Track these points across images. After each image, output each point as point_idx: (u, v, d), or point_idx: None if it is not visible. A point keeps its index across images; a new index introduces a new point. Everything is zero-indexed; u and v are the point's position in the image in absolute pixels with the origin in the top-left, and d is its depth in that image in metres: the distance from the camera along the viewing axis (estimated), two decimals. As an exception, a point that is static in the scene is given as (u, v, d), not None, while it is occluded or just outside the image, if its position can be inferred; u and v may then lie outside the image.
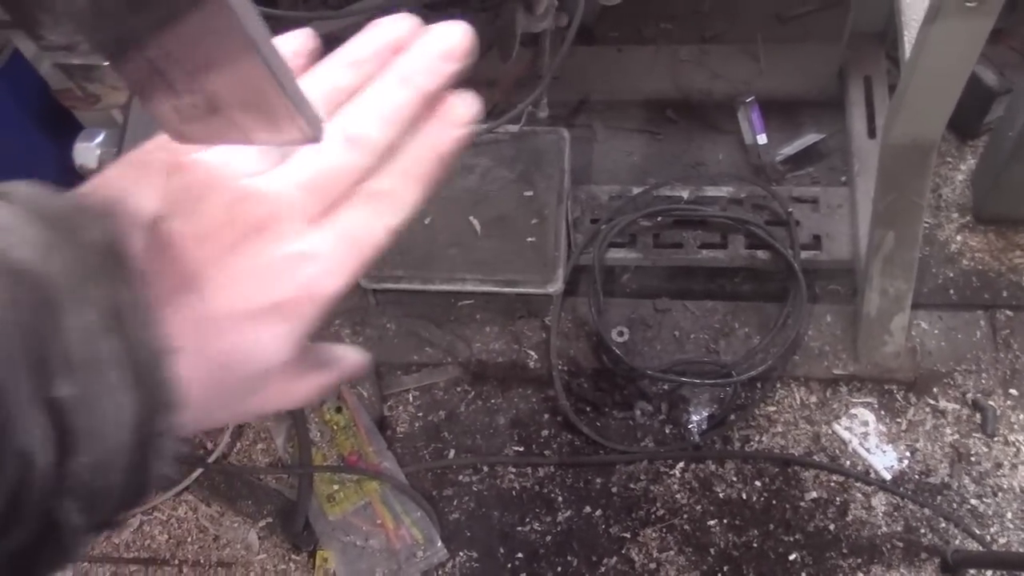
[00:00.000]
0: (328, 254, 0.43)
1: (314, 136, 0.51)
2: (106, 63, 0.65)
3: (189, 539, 1.82)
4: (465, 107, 0.47)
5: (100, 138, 0.59)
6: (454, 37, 0.46)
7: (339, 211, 0.44)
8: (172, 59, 0.43)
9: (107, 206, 0.43)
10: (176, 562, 1.81)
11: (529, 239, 1.84)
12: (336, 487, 1.80)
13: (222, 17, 0.40)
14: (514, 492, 1.80)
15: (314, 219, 0.44)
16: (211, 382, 0.42)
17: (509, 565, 1.74)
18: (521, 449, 1.82)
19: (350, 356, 0.52)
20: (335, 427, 1.85)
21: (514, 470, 1.81)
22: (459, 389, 1.89)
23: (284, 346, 0.44)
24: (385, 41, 0.47)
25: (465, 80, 0.49)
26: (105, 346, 0.36)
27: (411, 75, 0.45)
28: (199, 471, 1.85)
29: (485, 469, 1.82)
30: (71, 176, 1.90)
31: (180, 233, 0.43)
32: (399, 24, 0.48)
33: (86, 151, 0.59)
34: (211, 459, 1.85)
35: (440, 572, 1.74)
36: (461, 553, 1.76)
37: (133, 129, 0.57)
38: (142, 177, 0.46)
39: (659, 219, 1.87)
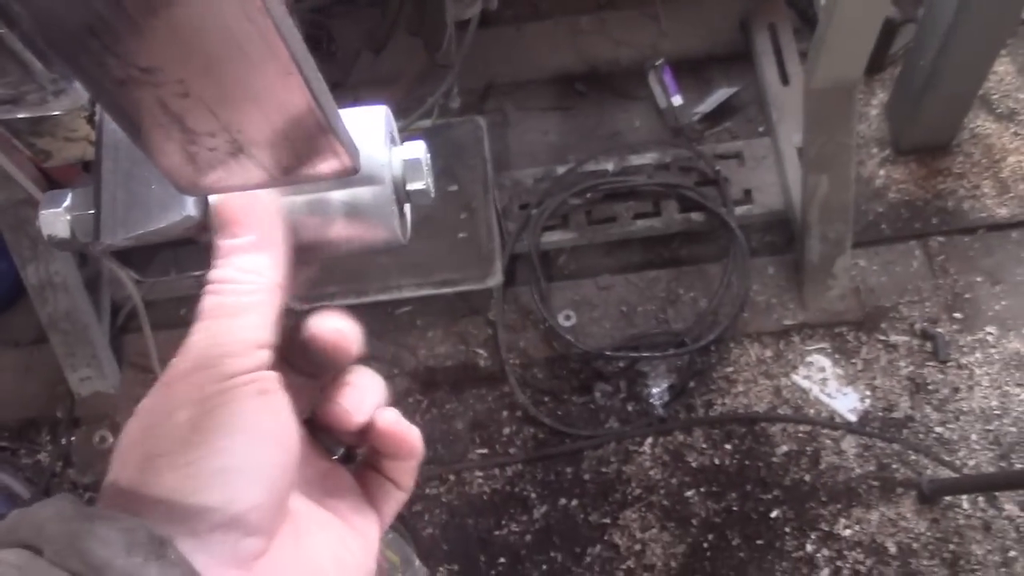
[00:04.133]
0: None
1: (353, 167, 0.44)
2: (78, 115, 0.57)
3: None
4: None
5: (67, 201, 0.50)
6: None
7: None
8: (190, 95, 0.35)
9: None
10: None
11: (460, 235, 1.78)
12: (300, 523, 1.71)
13: (260, 38, 0.33)
14: (485, 496, 1.74)
15: None
16: None
17: (493, 572, 1.68)
18: (485, 451, 1.77)
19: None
20: (288, 460, 1.75)
21: (481, 474, 1.75)
22: (411, 400, 1.81)
23: None
24: None
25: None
26: None
27: None
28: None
29: (452, 478, 1.75)
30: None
31: None
32: None
33: (54, 218, 0.50)
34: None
35: (423, 591, 1.68)
36: (441, 568, 1.69)
37: (110, 185, 0.48)
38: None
39: (588, 196, 1.83)
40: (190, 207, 0.48)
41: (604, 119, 1.98)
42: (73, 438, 1.80)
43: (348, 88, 1.98)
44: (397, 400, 1.78)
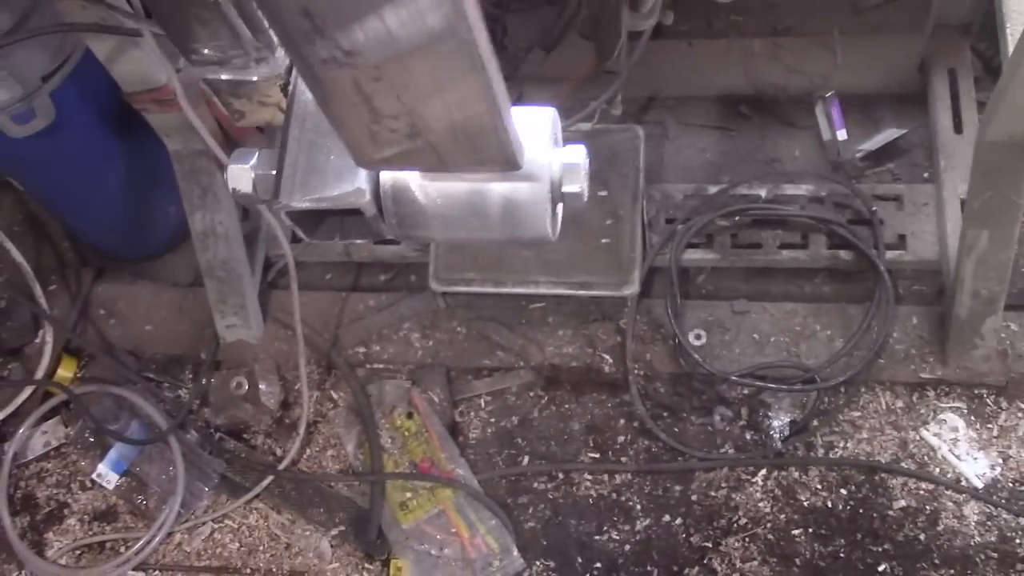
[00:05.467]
0: None
1: (517, 164, 0.47)
2: (274, 82, 0.62)
3: (261, 547, 1.80)
4: None
5: (254, 160, 0.55)
6: None
7: None
8: (383, 80, 0.39)
9: None
10: (248, 571, 1.79)
11: (603, 240, 1.80)
12: (409, 494, 1.77)
13: (457, 38, 0.36)
14: (591, 500, 1.76)
15: None
16: None
17: (587, 575, 1.70)
18: (597, 456, 1.78)
19: None
20: (406, 433, 1.81)
21: (590, 477, 1.77)
22: (532, 394, 1.85)
23: None
24: None
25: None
26: None
27: None
28: (269, 478, 1.82)
29: (560, 476, 1.78)
30: (141, 176, 1.88)
31: None
32: None
33: (240, 174, 0.55)
34: (281, 466, 1.82)
35: (517, 582, 1.71)
36: (538, 562, 1.72)
37: (293, 151, 0.53)
38: None
39: (737, 219, 1.82)
40: (362, 180, 0.52)
41: (764, 144, 1.96)
42: (212, 380, 1.90)
43: (515, 82, 2.03)
44: (518, 392, 1.82)
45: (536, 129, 0.51)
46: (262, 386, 1.86)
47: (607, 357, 1.82)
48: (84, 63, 1.61)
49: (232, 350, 1.93)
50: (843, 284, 1.82)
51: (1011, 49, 1.36)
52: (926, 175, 1.86)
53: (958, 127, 1.81)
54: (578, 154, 0.52)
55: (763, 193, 1.84)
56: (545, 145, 0.50)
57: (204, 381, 1.91)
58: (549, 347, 1.84)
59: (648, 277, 1.83)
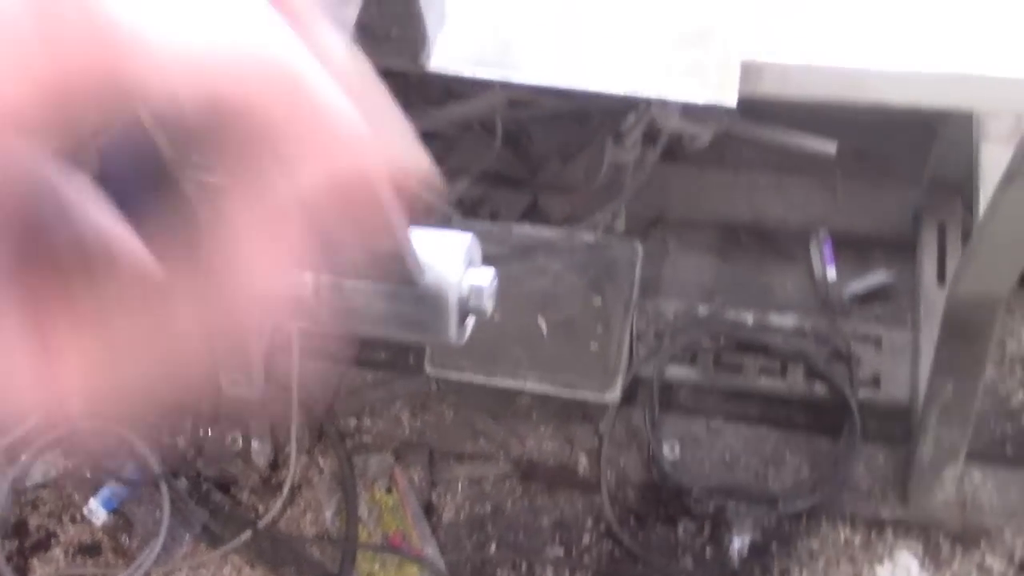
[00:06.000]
0: None
1: (415, 284, 0.57)
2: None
3: (230, 599, 1.87)
4: None
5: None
6: None
7: None
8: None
9: None
10: (214, 620, 1.85)
11: (592, 346, 1.88)
12: (377, 566, 1.84)
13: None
14: (550, 595, 1.81)
15: None
16: None
17: (537, 667, 1.75)
18: (561, 552, 1.85)
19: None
20: (383, 507, 1.89)
21: (551, 572, 1.83)
22: (507, 484, 1.92)
23: None
24: None
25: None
26: None
27: None
28: (248, 533, 1.90)
29: (524, 567, 1.84)
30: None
31: None
32: None
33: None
34: (261, 523, 1.90)
35: (468, 665, 1.76)
36: (491, 648, 1.77)
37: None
38: None
39: (722, 341, 1.90)
40: (310, 277, 0.63)
41: (758, 273, 2.05)
42: (210, 432, 2.00)
43: (531, 187, 2.15)
44: (495, 481, 1.90)
45: (452, 251, 0.61)
46: (254, 444, 1.95)
47: (583, 458, 1.90)
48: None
49: (232, 406, 2.03)
50: (816, 415, 1.89)
51: (983, 211, 1.45)
52: (907, 321, 1.94)
53: (941, 279, 1.89)
54: (485, 277, 0.62)
55: (750, 319, 1.92)
56: (457, 266, 0.60)
57: (202, 433, 2.01)
58: (530, 441, 1.93)
59: (631, 386, 1.91)
